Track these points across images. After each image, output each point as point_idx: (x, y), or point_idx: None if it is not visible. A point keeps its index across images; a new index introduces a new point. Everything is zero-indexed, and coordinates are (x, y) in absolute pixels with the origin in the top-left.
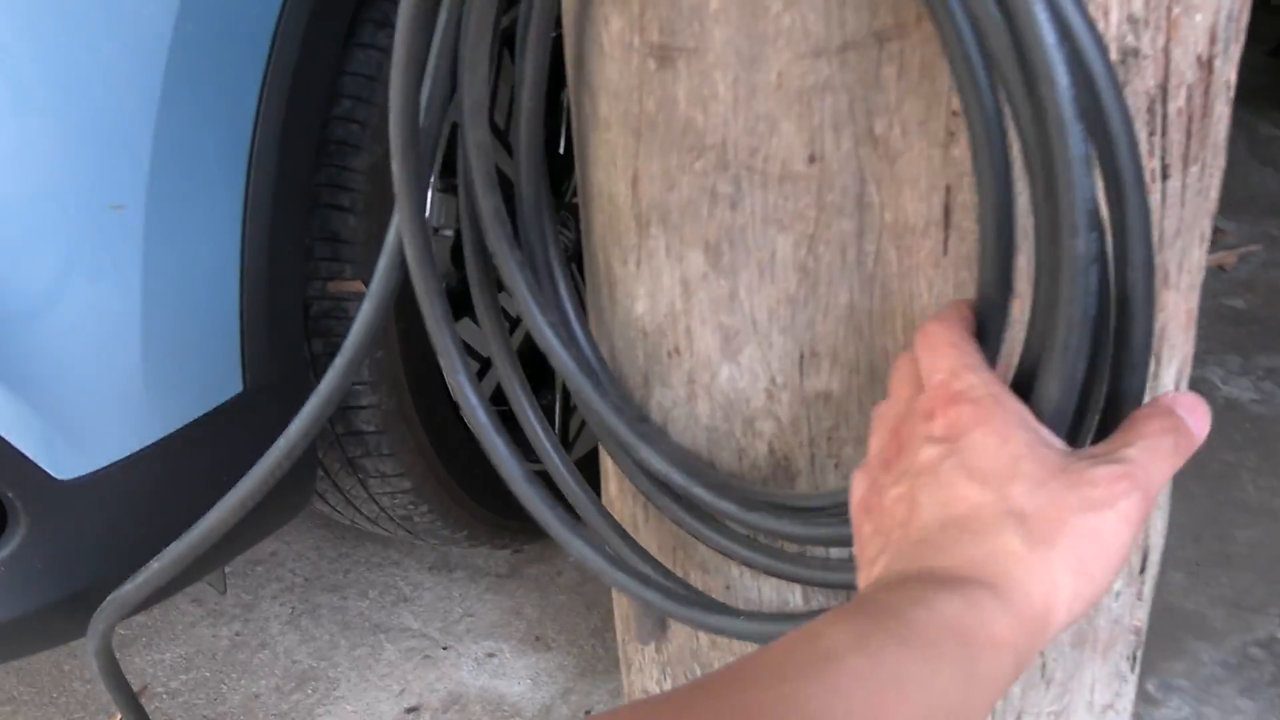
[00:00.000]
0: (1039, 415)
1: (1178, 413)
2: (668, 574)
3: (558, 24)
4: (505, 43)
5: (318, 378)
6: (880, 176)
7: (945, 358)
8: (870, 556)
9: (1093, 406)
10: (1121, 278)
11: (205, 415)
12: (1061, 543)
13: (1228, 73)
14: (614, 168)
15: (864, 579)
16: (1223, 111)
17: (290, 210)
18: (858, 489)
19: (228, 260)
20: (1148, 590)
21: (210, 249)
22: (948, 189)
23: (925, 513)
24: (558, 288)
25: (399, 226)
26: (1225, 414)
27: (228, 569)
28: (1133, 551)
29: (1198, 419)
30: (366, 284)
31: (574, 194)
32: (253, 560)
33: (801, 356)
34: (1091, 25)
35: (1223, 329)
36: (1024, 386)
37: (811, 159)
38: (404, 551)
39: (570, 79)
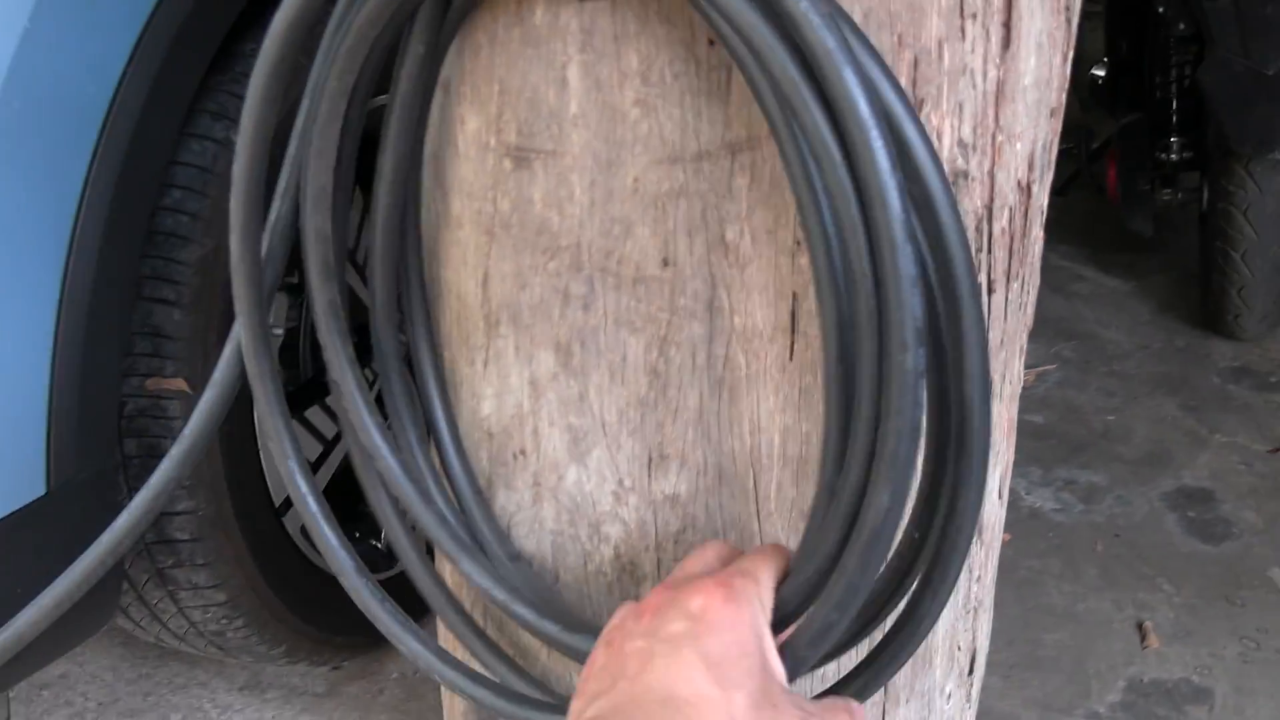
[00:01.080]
0: (871, 525)
1: (857, 716)
2: (518, 671)
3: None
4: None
5: (129, 481)
6: (730, 282)
7: (749, 560)
8: (592, 690)
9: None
10: (959, 390)
11: (1, 519)
12: None
13: (1042, 198)
14: (464, 266)
15: (577, 706)
16: (1038, 233)
17: (111, 301)
18: (615, 619)
19: (37, 351)
20: (975, 690)
21: (18, 338)
22: (794, 296)
23: (654, 678)
24: (427, 381)
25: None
26: (1029, 523)
27: (10, 693)
28: (962, 654)
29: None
30: (189, 381)
31: None
32: (39, 684)
33: (650, 459)
34: (930, 145)
35: (1024, 442)
36: (853, 502)
37: (665, 263)
38: (212, 671)
39: (425, 177)
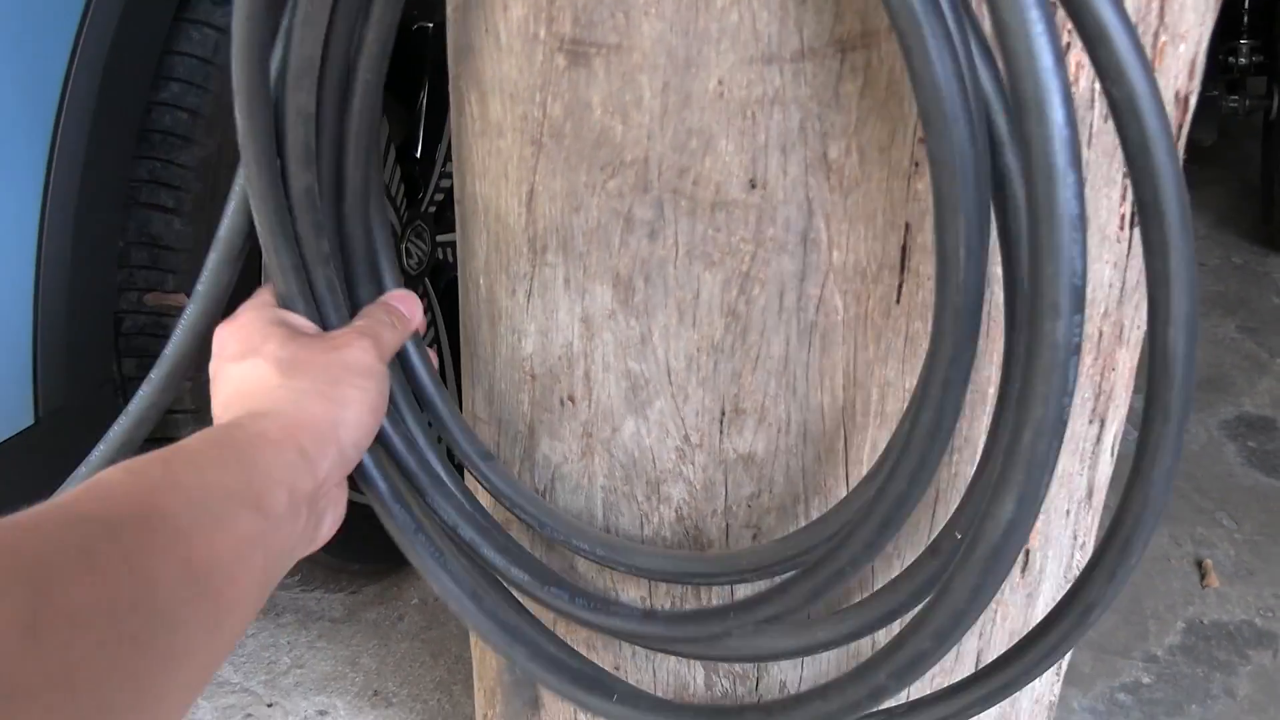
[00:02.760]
0: (989, 539)
1: (395, 305)
2: (548, 633)
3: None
4: None
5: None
6: (831, 210)
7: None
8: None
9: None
10: (1163, 335)
11: None
12: (311, 371)
13: (1192, 115)
14: (505, 181)
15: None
16: (1181, 156)
17: (101, 209)
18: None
19: (20, 267)
20: (1064, 663)
21: None
22: (907, 228)
23: (222, 393)
24: (385, 283)
25: (242, 186)
26: None
27: None
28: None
29: (409, 307)
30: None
31: (431, 203)
32: None
33: (723, 413)
34: (1133, 32)
35: None
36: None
37: (752, 185)
38: None
39: (452, 74)
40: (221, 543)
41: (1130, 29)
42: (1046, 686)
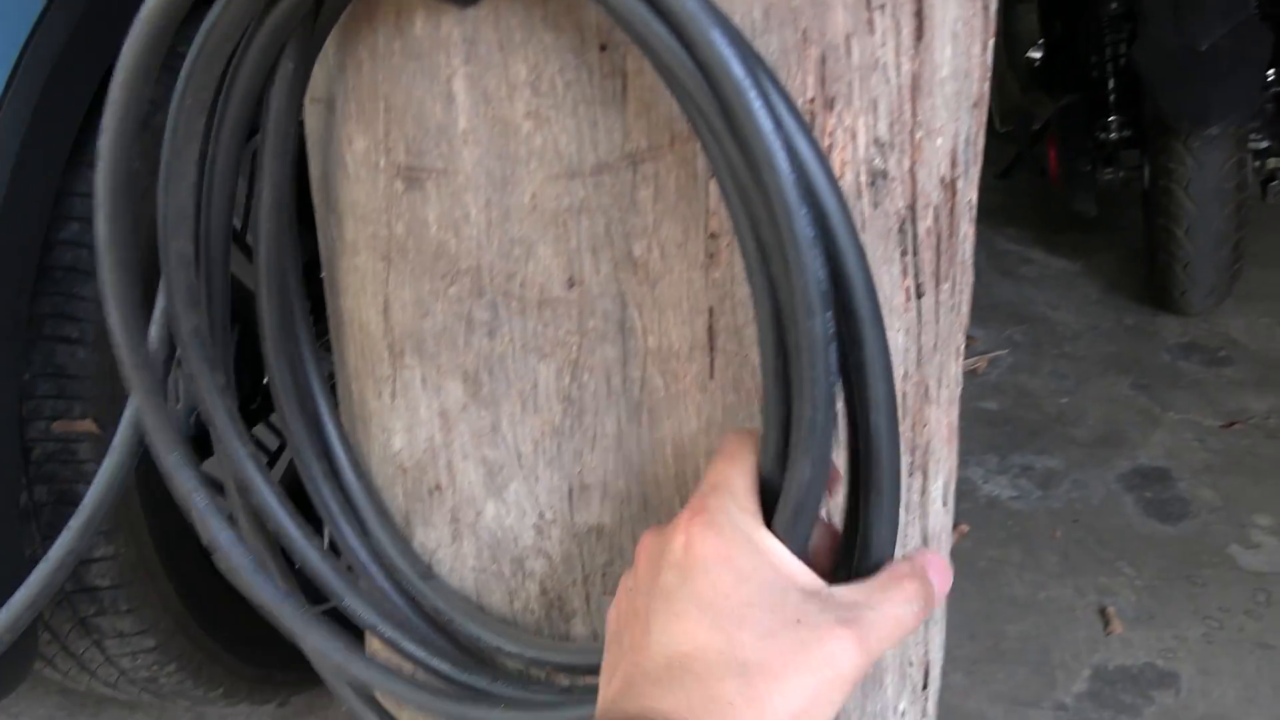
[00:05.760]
0: (794, 499)
1: (930, 578)
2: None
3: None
4: None
5: (40, 530)
6: (641, 300)
7: (716, 467)
8: (609, 666)
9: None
10: (865, 420)
11: None
12: (777, 699)
13: (970, 194)
14: (364, 294)
15: (603, 694)
16: (968, 230)
17: (3, 344)
18: (616, 599)
19: None
20: (931, 705)
21: None
22: (710, 311)
23: (654, 642)
24: (320, 416)
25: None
26: (987, 512)
27: None
28: (915, 669)
29: (942, 580)
30: (98, 422)
31: None
32: None
33: (570, 490)
34: (822, 157)
35: (979, 430)
36: (774, 480)
37: (571, 283)
38: (153, 715)
39: (316, 201)
40: None
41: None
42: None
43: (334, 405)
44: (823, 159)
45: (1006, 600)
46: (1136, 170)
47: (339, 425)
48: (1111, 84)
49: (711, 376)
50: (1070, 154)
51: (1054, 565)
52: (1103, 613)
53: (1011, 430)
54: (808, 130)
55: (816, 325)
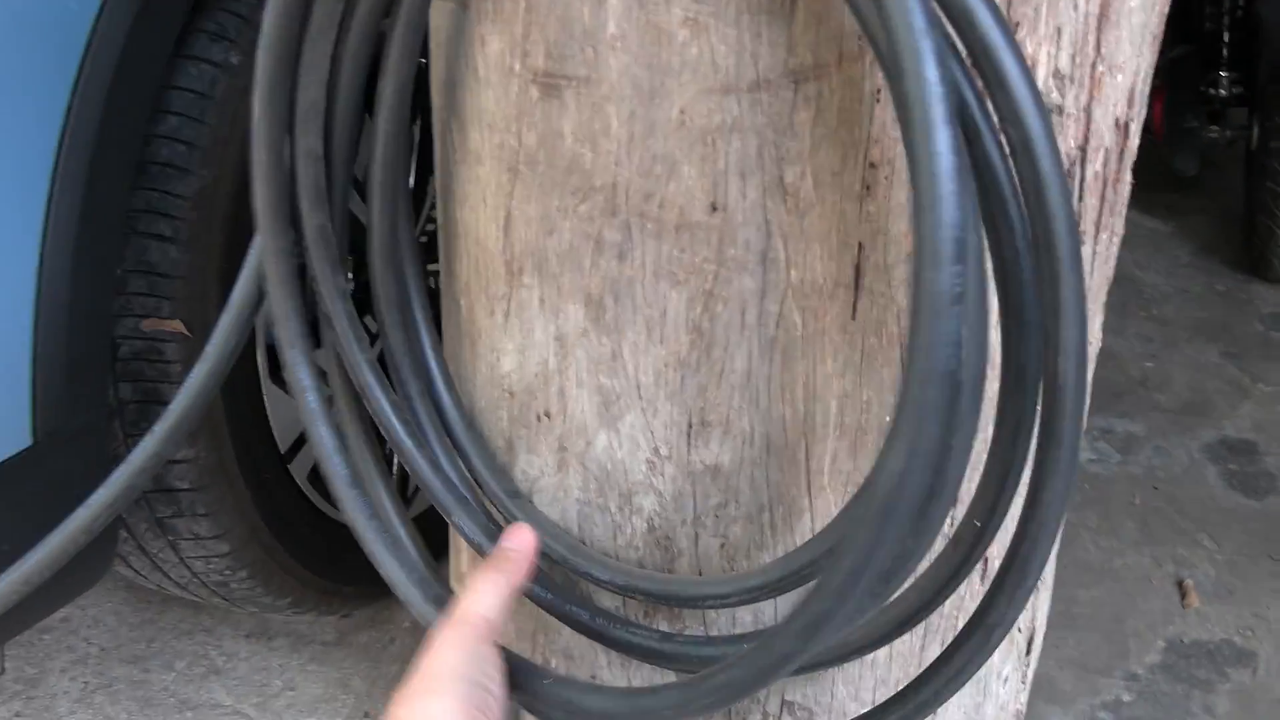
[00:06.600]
0: (881, 493)
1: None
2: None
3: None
4: None
5: (124, 428)
6: (788, 231)
7: (471, 592)
8: None
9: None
10: (1053, 366)
11: None
12: None
13: (1136, 139)
14: (483, 206)
15: None
16: (1128, 180)
17: (101, 236)
18: None
19: (20, 291)
20: (1031, 672)
21: None
22: (860, 247)
23: None
24: (418, 330)
25: (256, 253)
26: None
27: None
28: (1019, 633)
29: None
30: (187, 324)
31: (423, 233)
32: (40, 628)
33: (690, 425)
34: (1031, 80)
35: None
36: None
37: (713, 208)
38: (217, 618)
39: (436, 106)
40: None
41: (1029, 78)
42: (1012, 695)
43: (433, 320)
44: (1029, 76)
45: (1081, 565)
46: (1244, 130)
47: (437, 341)
48: (1226, 37)
49: (853, 317)
50: (1177, 109)
51: (1131, 532)
52: (1180, 585)
53: (1094, 391)
54: (1017, 48)
55: (942, 280)
